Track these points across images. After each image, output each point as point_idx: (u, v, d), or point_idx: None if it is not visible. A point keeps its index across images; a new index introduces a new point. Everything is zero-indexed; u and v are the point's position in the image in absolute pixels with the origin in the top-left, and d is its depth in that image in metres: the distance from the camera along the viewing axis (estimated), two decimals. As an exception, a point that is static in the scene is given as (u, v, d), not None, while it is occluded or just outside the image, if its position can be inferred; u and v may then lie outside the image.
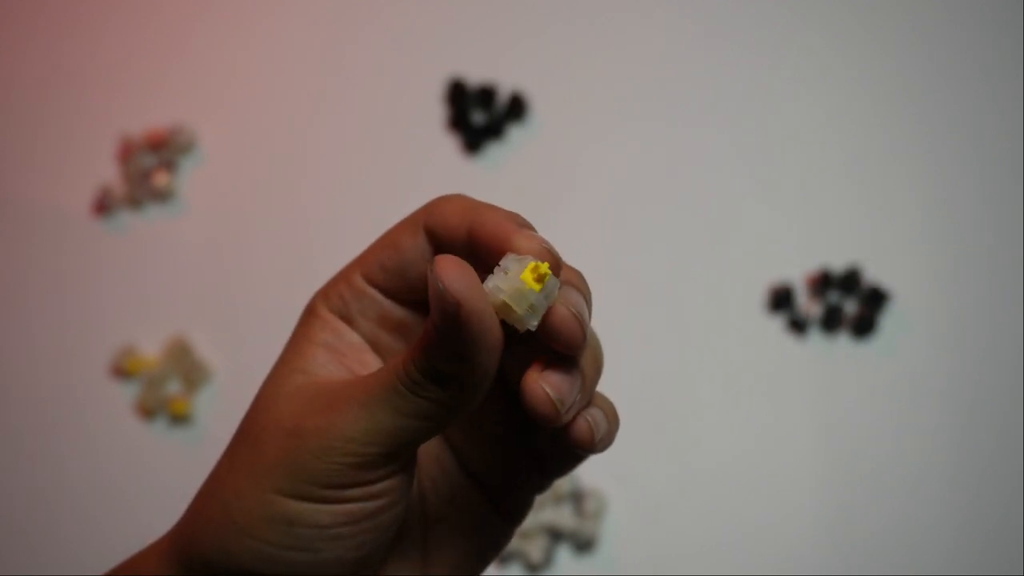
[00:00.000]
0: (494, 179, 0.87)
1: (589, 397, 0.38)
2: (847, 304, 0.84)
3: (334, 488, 0.36)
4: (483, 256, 0.36)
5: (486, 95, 0.88)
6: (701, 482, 0.82)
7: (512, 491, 0.41)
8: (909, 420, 0.82)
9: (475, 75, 0.89)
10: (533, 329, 0.35)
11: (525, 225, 0.36)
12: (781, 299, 0.84)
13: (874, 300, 0.83)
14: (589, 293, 0.37)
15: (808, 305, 0.85)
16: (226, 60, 0.90)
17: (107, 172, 0.88)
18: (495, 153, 0.88)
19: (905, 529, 0.80)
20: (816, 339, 0.84)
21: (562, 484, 0.81)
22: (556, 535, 0.81)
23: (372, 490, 0.36)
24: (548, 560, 0.81)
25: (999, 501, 0.80)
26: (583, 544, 0.81)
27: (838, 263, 0.85)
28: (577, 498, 0.81)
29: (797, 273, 0.85)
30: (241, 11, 0.91)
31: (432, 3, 0.90)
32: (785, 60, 0.88)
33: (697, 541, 0.81)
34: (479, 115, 0.88)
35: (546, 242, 0.36)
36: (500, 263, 0.35)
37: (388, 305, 0.39)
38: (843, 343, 0.84)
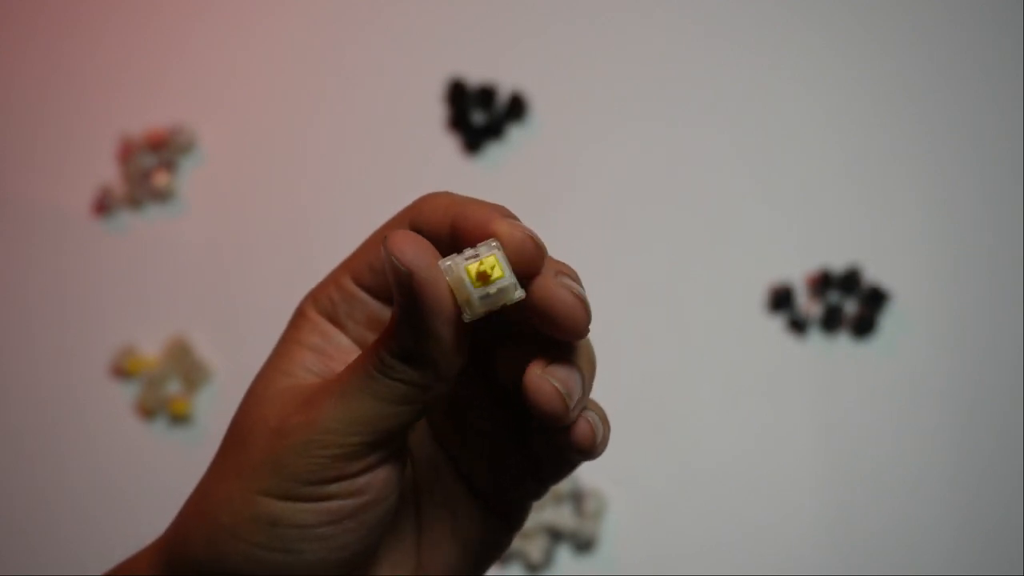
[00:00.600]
0: (494, 179, 0.87)
1: (588, 397, 0.37)
2: (847, 304, 0.84)
3: (316, 484, 0.36)
4: (466, 247, 0.36)
5: (486, 95, 0.88)
6: (701, 482, 0.82)
7: (508, 497, 0.41)
8: (909, 420, 0.82)
9: (475, 75, 0.89)
10: (466, 320, 0.35)
11: (509, 216, 0.36)
12: (781, 299, 0.84)
13: (874, 300, 0.83)
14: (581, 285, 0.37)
15: (808, 305, 0.85)
16: (226, 60, 0.90)
17: (107, 172, 0.88)
18: (495, 153, 0.88)
19: (905, 529, 0.80)
20: (816, 339, 0.84)
21: (562, 484, 0.81)
22: (556, 535, 0.81)
23: (354, 485, 0.36)
24: (548, 560, 0.81)
25: (999, 501, 0.80)
26: (583, 544, 0.81)
27: (838, 263, 0.85)
28: (577, 498, 0.81)
29: (797, 273, 0.85)
30: (241, 11, 0.91)
31: (432, 3, 0.90)
32: (785, 60, 0.88)
33: (697, 541, 0.81)
34: (479, 115, 0.88)
35: (529, 230, 0.35)
36: (476, 246, 0.35)
37: (376, 307, 0.39)
38: (843, 343, 0.84)
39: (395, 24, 0.90)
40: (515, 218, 0.36)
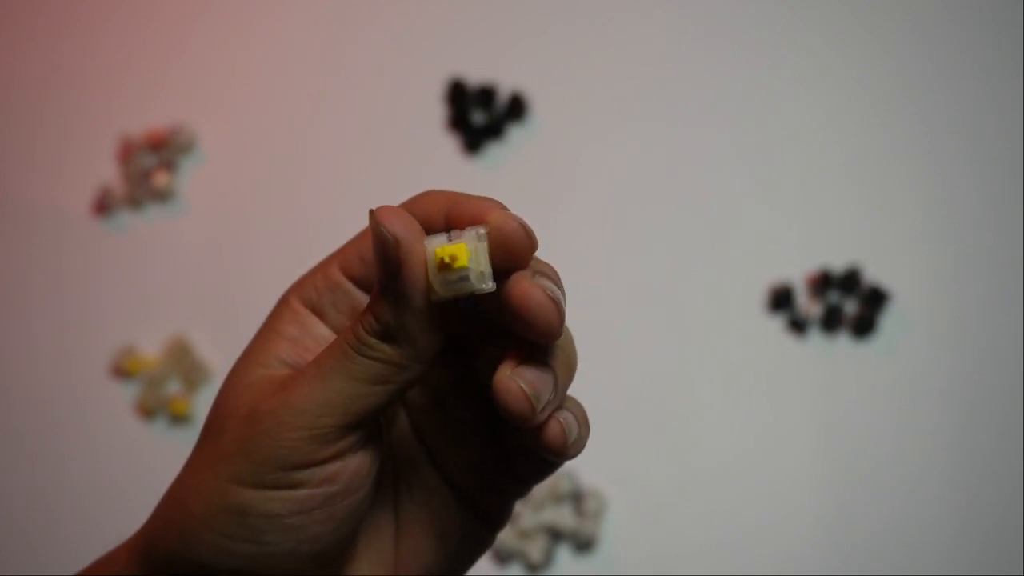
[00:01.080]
0: (494, 179, 0.87)
1: (562, 399, 0.37)
2: (847, 304, 0.84)
3: (287, 469, 0.36)
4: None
5: (486, 95, 0.88)
6: (701, 482, 0.82)
7: (488, 497, 0.41)
8: (909, 420, 0.82)
9: (475, 75, 0.89)
10: (432, 300, 0.35)
11: (503, 208, 0.36)
12: (781, 299, 0.84)
13: (874, 300, 0.83)
14: (563, 289, 0.37)
15: (808, 305, 0.85)
16: (226, 60, 0.90)
17: (107, 172, 0.88)
18: (495, 153, 0.88)
19: (905, 529, 0.80)
20: (816, 339, 0.84)
21: (562, 484, 0.81)
22: (556, 535, 0.81)
23: (325, 472, 0.36)
24: (548, 560, 0.81)
25: (999, 501, 0.80)
26: (583, 544, 0.81)
27: (838, 263, 0.85)
28: (577, 498, 0.81)
29: (797, 273, 0.85)
30: (241, 11, 0.91)
31: (432, 3, 0.90)
32: (785, 60, 0.88)
33: (697, 541, 0.81)
34: (479, 115, 0.88)
35: (522, 220, 0.35)
36: (464, 230, 0.35)
37: (361, 298, 0.39)
38: (843, 343, 0.84)
39: (395, 24, 0.90)
40: (507, 210, 0.36)
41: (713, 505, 0.81)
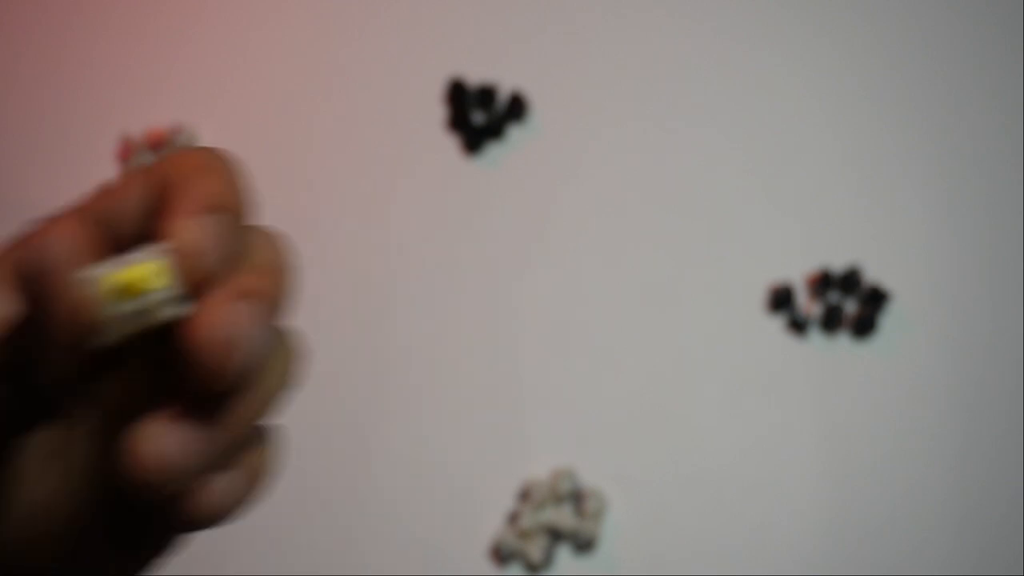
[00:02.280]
0: (494, 179, 0.87)
1: (230, 457, 0.28)
2: (847, 304, 0.84)
3: None
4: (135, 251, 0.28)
5: (486, 95, 0.88)
6: (701, 482, 0.82)
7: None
8: (909, 420, 0.82)
9: (475, 75, 0.89)
10: (100, 346, 0.27)
11: (219, 207, 0.27)
12: (781, 299, 0.84)
13: (874, 300, 0.83)
14: (282, 295, 0.28)
15: (808, 305, 0.85)
16: (226, 60, 0.90)
17: (107, 172, 0.88)
18: (495, 153, 0.88)
19: (905, 529, 0.80)
20: (816, 339, 0.84)
21: (562, 484, 0.81)
22: (556, 535, 0.81)
23: None
24: (548, 560, 0.81)
25: (999, 501, 0.80)
26: (583, 544, 0.81)
27: (838, 263, 0.85)
28: (577, 498, 0.81)
29: (797, 273, 0.85)
30: (241, 11, 0.91)
31: (432, 3, 0.90)
32: (785, 60, 0.88)
33: (697, 541, 0.81)
34: (479, 115, 0.88)
35: (208, 240, 0.27)
36: (146, 248, 0.27)
37: None
38: (843, 343, 0.84)
39: (395, 24, 0.90)
40: (230, 208, 0.28)
41: (713, 505, 0.81)
